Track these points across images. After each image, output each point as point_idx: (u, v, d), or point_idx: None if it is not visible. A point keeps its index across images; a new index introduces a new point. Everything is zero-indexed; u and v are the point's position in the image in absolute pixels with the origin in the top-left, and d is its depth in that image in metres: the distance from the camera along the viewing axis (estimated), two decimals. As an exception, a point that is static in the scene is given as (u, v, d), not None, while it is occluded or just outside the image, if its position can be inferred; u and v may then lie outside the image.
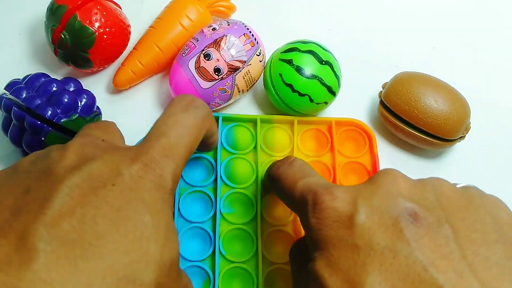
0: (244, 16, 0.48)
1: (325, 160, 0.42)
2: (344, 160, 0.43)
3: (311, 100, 0.42)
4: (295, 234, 0.39)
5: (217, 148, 0.41)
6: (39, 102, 0.38)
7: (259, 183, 0.41)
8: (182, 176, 0.39)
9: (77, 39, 0.42)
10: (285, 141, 0.43)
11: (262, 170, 0.41)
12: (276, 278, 0.38)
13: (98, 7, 0.43)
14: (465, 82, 0.46)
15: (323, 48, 0.43)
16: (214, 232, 0.39)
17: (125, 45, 0.46)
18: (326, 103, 0.43)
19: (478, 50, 0.52)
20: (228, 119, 0.43)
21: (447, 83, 0.44)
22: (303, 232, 0.38)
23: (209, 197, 0.40)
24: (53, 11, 0.43)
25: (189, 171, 0.41)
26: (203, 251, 0.38)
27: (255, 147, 0.42)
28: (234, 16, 0.50)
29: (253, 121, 0.43)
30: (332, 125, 0.43)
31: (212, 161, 0.41)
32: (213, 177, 0.41)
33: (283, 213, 0.40)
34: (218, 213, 0.39)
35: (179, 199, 0.39)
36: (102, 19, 0.43)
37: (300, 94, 0.42)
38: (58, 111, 0.38)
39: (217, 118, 0.43)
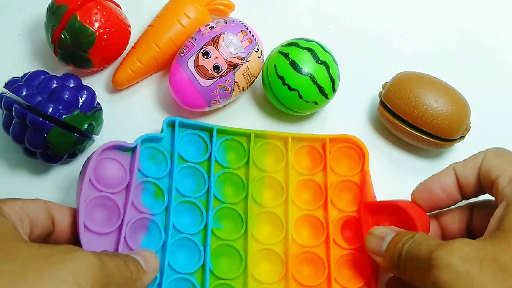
0: (243, 15, 0.48)
1: (318, 179, 0.42)
2: (337, 179, 0.42)
3: (300, 97, 0.42)
4: (284, 254, 0.39)
5: (210, 161, 0.41)
6: (40, 99, 0.38)
7: (250, 200, 0.40)
8: (174, 184, 0.39)
9: (77, 39, 0.42)
10: (278, 158, 0.42)
11: (253, 187, 0.41)
12: None
13: (98, 7, 0.43)
14: (465, 82, 0.46)
15: (324, 49, 0.43)
16: (204, 246, 0.38)
17: (125, 45, 0.46)
18: (316, 103, 0.43)
19: (478, 50, 0.52)
20: (222, 132, 0.42)
21: (447, 83, 0.44)
22: (292, 252, 0.39)
23: (200, 209, 0.39)
24: (53, 11, 0.43)
25: (182, 180, 0.40)
26: (191, 264, 0.38)
27: (247, 163, 0.42)
28: (233, 15, 0.50)
29: (246, 136, 0.42)
30: (326, 143, 0.43)
31: (204, 173, 0.40)
32: (204, 189, 0.40)
33: (273, 232, 0.40)
34: (209, 227, 0.39)
35: (172, 206, 0.39)
36: (102, 19, 0.43)
37: (290, 88, 0.42)
38: (60, 107, 0.39)
39: (211, 130, 0.42)
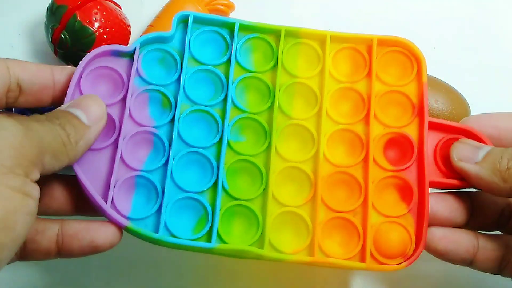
0: (243, 15, 0.48)
1: (360, 88, 0.35)
2: (384, 89, 0.35)
3: None
4: (313, 174, 0.33)
5: (230, 64, 0.34)
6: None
7: (276, 109, 0.34)
8: (184, 90, 0.34)
9: (77, 39, 0.42)
10: (313, 61, 0.36)
11: (280, 94, 0.34)
12: (286, 223, 0.32)
13: (98, 7, 0.43)
14: (465, 82, 0.46)
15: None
16: (217, 161, 0.32)
17: (125, 45, 0.46)
18: None
19: (478, 50, 0.52)
20: (245, 28, 0.35)
21: (447, 83, 0.44)
22: (323, 172, 0.33)
23: (215, 119, 0.33)
24: (53, 11, 0.43)
25: (194, 85, 0.34)
26: (201, 182, 0.32)
27: (275, 65, 0.35)
28: (233, 15, 0.50)
29: (276, 34, 0.36)
30: (373, 45, 0.35)
31: (223, 77, 0.34)
32: (221, 97, 0.34)
33: (301, 148, 0.34)
34: (224, 139, 0.33)
35: (179, 116, 0.33)
36: (102, 19, 0.43)
37: None
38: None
39: (233, 26, 0.35)
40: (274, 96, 0.34)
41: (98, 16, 0.43)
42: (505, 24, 0.54)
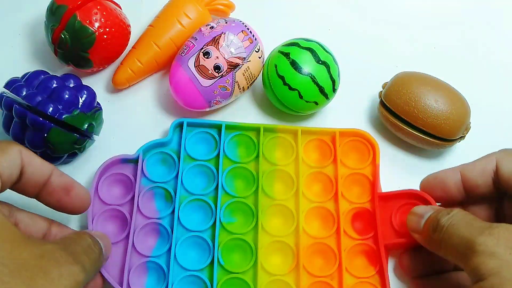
0: (243, 15, 0.48)
1: (328, 172, 0.42)
2: (347, 172, 0.43)
3: (300, 97, 0.43)
4: (295, 246, 0.39)
5: (219, 157, 0.42)
6: (40, 99, 0.39)
7: (260, 193, 0.41)
8: (182, 183, 0.40)
9: (77, 39, 0.42)
10: (288, 151, 0.43)
11: (263, 180, 0.41)
12: None
13: (98, 7, 0.43)
14: (465, 82, 0.46)
15: (324, 49, 0.43)
16: (213, 241, 0.39)
17: (125, 45, 0.46)
18: (316, 103, 0.43)
19: (479, 50, 0.52)
20: (231, 128, 0.43)
21: (447, 83, 0.44)
22: (303, 243, 0.39)
23: (209, 205, 0.40)
24: (53, 11, 0.43)
25: (190, 178, 0.41)
26: (201, 261, 0.39)
27: (257, 156, 0.42)
28: (233, 15, 0.50)
29: (256, 130, 0.43)
30: (336, 136, 0.43)
31: (214, 169, 0.41)
32: (214, 186, 0.41)
33: (283, 225, 0.40)
34: (218, 222, 0.39)
35: (179, 207, 0.40)
36: (102, 19, 0.43)
37: (290, 88, 0.42)
38: (60, 107, 0.39)
39: (220, 127, 0.43)
40: (258, 181, 0.41)
41: (98, 16, 0.43)
42: (505, 24, 0.54)
